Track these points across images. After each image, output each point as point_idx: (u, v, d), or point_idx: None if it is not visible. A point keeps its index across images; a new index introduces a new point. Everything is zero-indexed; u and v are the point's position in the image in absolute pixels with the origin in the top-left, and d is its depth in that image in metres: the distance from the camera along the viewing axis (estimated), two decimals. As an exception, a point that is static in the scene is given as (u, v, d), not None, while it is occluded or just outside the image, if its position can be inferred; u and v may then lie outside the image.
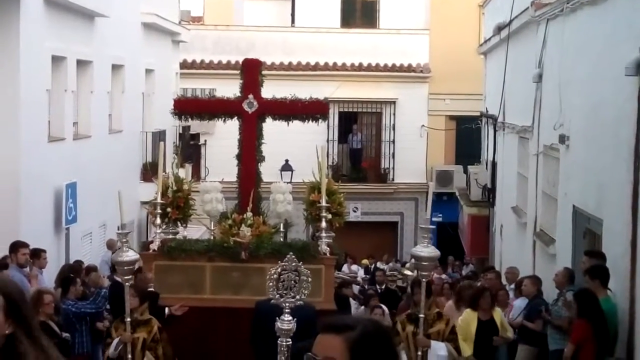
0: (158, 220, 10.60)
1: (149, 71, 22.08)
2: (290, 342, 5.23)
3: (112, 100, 19.48)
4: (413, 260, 20.21)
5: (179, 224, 11.06)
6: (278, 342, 5.44)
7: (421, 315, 8.88)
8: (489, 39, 22.30)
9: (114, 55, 19.15)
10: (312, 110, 11.66)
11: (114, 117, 19.70)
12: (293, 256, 5.57)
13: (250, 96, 11.39)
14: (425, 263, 8.62)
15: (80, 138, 17.23)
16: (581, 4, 11.90)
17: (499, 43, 20.38)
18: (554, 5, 13.64)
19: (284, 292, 5.42)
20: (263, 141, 11.65)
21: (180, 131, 25.82)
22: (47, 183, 15.23)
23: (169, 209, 10.67)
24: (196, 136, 27.45)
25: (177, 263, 10.51)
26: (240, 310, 9.60)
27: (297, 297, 5.35)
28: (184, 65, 27.50)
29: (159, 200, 10.56)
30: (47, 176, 15.17)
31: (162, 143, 11.85)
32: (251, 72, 11.64)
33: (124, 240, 8.95)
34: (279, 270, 5.42)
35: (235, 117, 11.63)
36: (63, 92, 16.12)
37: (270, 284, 5.48)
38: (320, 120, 11.92)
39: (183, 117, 12.18)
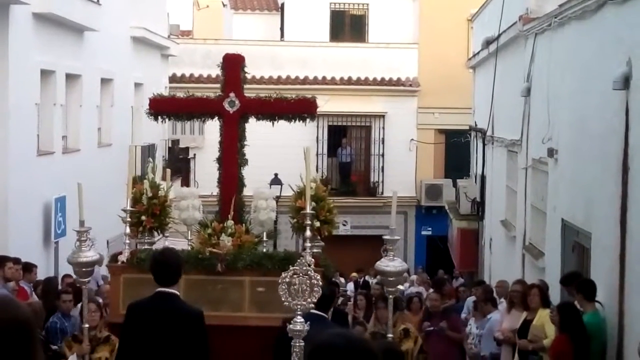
0: (128, 230, 9.59)
1: (138, 85, 22.09)
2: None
3: (101, 114, 19.46)
4: (404, 274, 20.16)
5: (157, 234, 10.12)
6: (291, 343, 5.51)
7: (390, 335, 8.17)
8: (478, 53, 22.38)
9: (103, 69, 19.15)
10: (299, 109, 10.62)
11: (103, 130, 19.68)
12: (303, 261, 5.65)
13: (232, 94, 10.38)
14: (391, 278, 7.89)
15: (69, 152, 17.20)
16: (569, 19, 11.95)
17: (487, 57, 20.45)
18: (542, 19, 13.71)
19: (296, 296, 5.53)
20: (246, 143, 10.70)
21: (170, 145, 25.85)
22: (36, 197, 15.19)
23: (143, 217, 9.74)
24: (185, 150, 27.48)
25: (147, 276, 9.13)
26: (218, 328, 8.66)
27: (309, 300, 5.47)
28: (173, 79, 27.52)
29: (128, 207, 9.52)
30: (36, 190, 15.13)
31: (132, 147, 10.90)
32: (233, 68, 10.60)
33: (83, 238, 8.07)
34: (290, 274, 5.54)
35: (216, 118, 10.66)
36: (52, 105, 16.10)
37: (283, 287, 5.57)
38: (308, 120, 10.80)
39: (160, 117, 10.93)
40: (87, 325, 8.38)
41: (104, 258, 15.89)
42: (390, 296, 8.10)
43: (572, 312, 9.29)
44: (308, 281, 5.50)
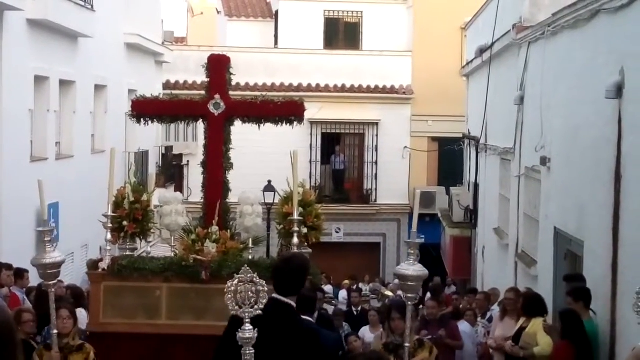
0: (109, 236, 9.28)
1: (131, 91, 22.05)
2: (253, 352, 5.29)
3: (95, 120, 19.46)
4: (396, 280, 20.12)
5: (140, 240, 9.79)
6: (241, 351, 5.40)
7: (406, 345, 7.60)
8: (471, 61, 22.43)
9: (97, 76, 19.15)
10: (285, 111, 10.19)
11: (96, 137, 19.67)
12: (248, 268, 5.55)
13: (217, 96, 10.02)
14: (411, 283, 7.25)
15: (62, 158, 17.17)
16: (562, 28, 12.00)
17: (481, 65, 20.50)
18: (536, 28, 13.76)
19: (243, 303, 5.45)
20: (231, 147, 10.33)
21: (163, 152, 25.83)
22: (29, 203, 15.15)
23: (125, 223, 9.40)
24: (179, 157, 27.46)
25: (128, 284, 9.23)
26: (202, 338, 8.45)
27: (256, 307, 5.41)
28: (167, 85, 27.49)
29: (109, 212, 9.19)
30: (29, 196, 15.07)
31: (112, 149, 10.50)
32: (218, 69, 10.24)
33: (47, 239, 7.50)
34: (236, 282, 5.46)
35: (201, 120, 10.31)
36: (46, 112, 16.09)
37: (229, 295, 5.48)
38: (295, 123, 10.33)
39: (143, 120, 10.39)
40: (55, 332, 7.85)
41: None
42: (410, 303, 7.47)
43: (574, 319, 9.26)
44: (253, 288, 5.44)
